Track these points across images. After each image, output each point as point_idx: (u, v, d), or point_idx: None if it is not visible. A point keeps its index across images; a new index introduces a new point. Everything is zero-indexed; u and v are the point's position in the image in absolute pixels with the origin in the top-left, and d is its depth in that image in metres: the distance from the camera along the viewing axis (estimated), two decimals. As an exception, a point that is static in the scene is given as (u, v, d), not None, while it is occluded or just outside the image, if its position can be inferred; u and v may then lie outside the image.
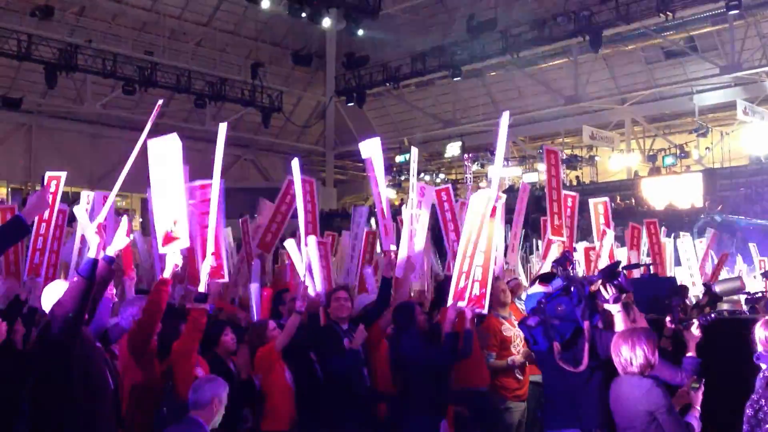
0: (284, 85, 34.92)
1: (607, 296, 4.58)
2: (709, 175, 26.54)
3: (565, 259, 5.15)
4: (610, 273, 4.72)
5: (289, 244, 6.19)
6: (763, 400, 3.92)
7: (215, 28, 32.93)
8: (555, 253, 7.35)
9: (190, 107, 31.52)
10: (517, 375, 6.44)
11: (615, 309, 4.59)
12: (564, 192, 8.31)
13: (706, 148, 29.69)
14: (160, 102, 4.78)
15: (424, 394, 5.38)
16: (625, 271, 4.72)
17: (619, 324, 4.54)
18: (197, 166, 5.97)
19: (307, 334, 5.79)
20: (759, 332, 4.26)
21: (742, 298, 8.25)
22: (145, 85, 28.65)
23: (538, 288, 5.06)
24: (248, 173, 37.18)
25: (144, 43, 30.85)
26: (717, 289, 4.74)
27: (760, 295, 7.62)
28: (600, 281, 4.66)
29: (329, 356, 5.71)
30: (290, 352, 5.65)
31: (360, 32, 29.81)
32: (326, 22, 30.82)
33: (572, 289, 4.66)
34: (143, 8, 30.52)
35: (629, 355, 4.06)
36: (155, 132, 4.57)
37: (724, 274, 12.30)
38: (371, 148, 6.41)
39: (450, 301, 5.55)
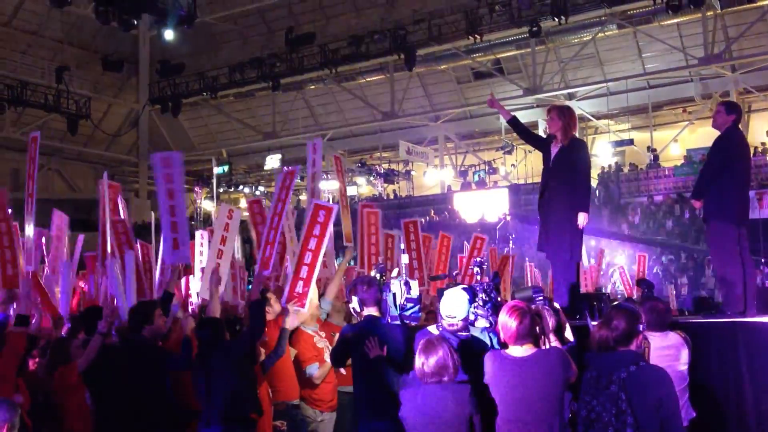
0: (93, 91, 33.11)
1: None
2: (513, 190, 28.19)
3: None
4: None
5: None
6: (595, 401, 3.92)
7: (15, 28, 30.69)
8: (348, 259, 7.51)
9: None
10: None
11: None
12: (366, 209, 8.67)
13: (511, 165, 31.61)
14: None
15: (230, 407, 5.24)
16: None
17: None
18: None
19: None
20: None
21: None
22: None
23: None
24: (52, 183, 34.86)
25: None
26: (516, 296, 5.06)
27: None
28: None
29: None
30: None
31: (170, 37, 28.53)
32: (140, 27, 29.61)
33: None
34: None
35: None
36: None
37: None
38: (172, 161, 6.27)
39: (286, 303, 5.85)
